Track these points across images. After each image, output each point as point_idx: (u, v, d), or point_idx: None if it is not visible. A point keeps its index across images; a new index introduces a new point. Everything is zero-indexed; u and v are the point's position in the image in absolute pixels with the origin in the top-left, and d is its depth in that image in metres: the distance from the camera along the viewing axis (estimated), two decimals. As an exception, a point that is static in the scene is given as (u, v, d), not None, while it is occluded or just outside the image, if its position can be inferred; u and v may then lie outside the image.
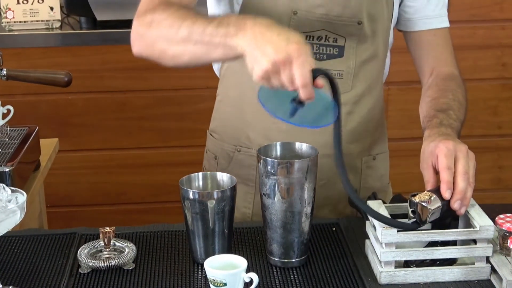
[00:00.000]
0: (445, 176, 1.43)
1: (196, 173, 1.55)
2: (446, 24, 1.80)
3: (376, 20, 1.70)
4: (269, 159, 1.46)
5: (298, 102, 1.37)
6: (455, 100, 1.68)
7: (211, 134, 1.86)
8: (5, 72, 2.07)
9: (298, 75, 1.32)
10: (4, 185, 1.41)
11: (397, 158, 3.14)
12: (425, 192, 1.44)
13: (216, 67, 1.84)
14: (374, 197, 1.60)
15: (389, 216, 1.45)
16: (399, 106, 3.12)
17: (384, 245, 1.43)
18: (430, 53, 1.79)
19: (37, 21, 2.91)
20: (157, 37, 1.48)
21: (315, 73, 1.35)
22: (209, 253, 1.48)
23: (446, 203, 1.43)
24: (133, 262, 1.51)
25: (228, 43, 1.37)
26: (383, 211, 1.47)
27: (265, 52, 1.32)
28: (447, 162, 1.44)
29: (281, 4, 1.64)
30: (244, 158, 1.77)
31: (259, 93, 1.39)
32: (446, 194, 1.42)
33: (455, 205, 1.43)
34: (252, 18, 1.37)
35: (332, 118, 1.40)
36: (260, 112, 1.47)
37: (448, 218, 1.46)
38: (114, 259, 1.49)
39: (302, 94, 1.33)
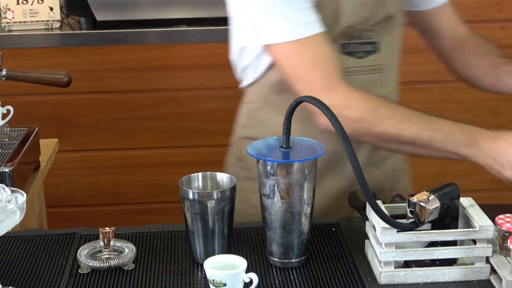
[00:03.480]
0: None
1: (196, 173, 1.55)
2: None
3: (400, 12, 1.76)
4: (268, 159, 1.46)
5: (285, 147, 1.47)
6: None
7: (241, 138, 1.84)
8: (4, 73, 2.07)
9: None
10: (4, 186, 1.41)
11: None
12: (423, 192, 1.44)
13: (240, 69, 1.79)
14: (374, 197, 1.59)
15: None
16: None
17: (383, 245, 1.43)
18: (445, 25, 1.88)
19: (36, 21, 2.91)
20: (383, 135, 1.58)
21: None
22: (209, 253, 1.49)
23: (446, 203, 1.43)
24: (133, 262, 1.51)
25: (459, 153, 1.55)
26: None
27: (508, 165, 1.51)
28: None
29: (344, 18, 1.67)
30: None
31: (248, 150, 1.48)
32: None
33: None
34: (479, 131, 1.55)
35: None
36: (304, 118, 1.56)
37: (447, 218, 1.46)
38: (114, 260, 1.49)
39: None
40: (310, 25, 1.58)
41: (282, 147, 1.46)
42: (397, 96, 1.85)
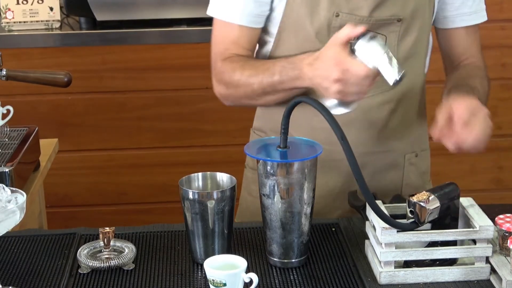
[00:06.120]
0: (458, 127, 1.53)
1: (196, 173, 1.55)
2: (483, 19, 1.82)
3: (416, 16, 1.71)
4: (268, 159, 1.46)
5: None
6: (482, 86, 1.73)
7: (254, 132, 1.88)
8: (4, 73, 2.07)
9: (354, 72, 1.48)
10: (4, 185, 1.41)
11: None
12: (423, 192, 1.44)
13: None
14: (374, 197, 1.59)
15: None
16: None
17: (383, 245, 1.43)
18: (460, 47, 1.82)
19: (36, 21, 2.91)
20: (239, 98, 1.71)
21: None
22: (209, 253, 1.49)
23: (445, 203, 1.43)
24: (133, 262, 1.51)
25: (297, 87, 1.61)
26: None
27: (327, 84, 1.51)
28: (465, 117, 1.53)
29: (323, 7, 1.66)
30: None
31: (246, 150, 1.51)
32: (450, 147, 1.54)
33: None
34: (300, 60, 1.59)
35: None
36: (306, 111, 1.58)
37: (447, 218, 1.46)
38: (114, 260, 1.49)
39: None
40: (237, 13, 1.70)
41: (279, 147, 1.46)
42: (414, 103, 1.80)
